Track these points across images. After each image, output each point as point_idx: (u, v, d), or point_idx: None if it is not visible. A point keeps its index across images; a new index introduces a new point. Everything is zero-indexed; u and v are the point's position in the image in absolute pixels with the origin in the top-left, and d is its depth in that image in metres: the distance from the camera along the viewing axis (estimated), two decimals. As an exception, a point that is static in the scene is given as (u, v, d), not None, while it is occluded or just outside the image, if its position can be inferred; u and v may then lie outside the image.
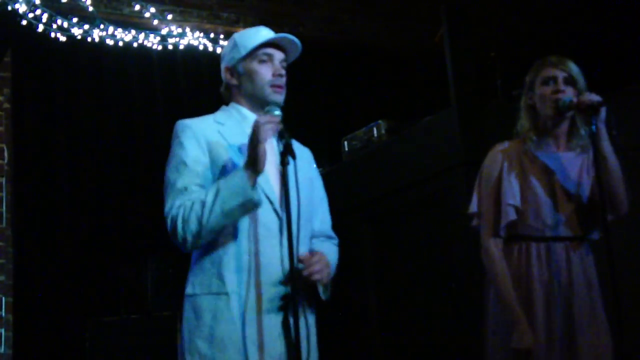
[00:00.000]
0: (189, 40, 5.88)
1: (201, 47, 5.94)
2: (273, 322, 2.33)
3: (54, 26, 5.35)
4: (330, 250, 2.60)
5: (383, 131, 4.88)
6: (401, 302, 4.57)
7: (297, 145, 2.53)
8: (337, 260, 2.63)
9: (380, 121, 4.94)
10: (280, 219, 2.38)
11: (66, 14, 5.41)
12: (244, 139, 2.36)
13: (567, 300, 2.67)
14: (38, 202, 5.38)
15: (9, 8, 5.07)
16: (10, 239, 5.24)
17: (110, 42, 5.59)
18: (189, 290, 2.41)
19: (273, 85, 2.46)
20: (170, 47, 5.85)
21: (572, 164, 2.75)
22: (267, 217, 2.37)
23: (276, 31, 2.56)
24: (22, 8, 5.14)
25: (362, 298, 4.84)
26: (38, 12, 5.24)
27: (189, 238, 2.30)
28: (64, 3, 5.31)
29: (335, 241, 2.73)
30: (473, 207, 2.87)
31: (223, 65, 2.57)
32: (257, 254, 2.30)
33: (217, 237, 2.35)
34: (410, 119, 4.80)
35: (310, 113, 5.87)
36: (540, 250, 2.72)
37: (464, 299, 4.05)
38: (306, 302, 2.43)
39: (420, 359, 4.36)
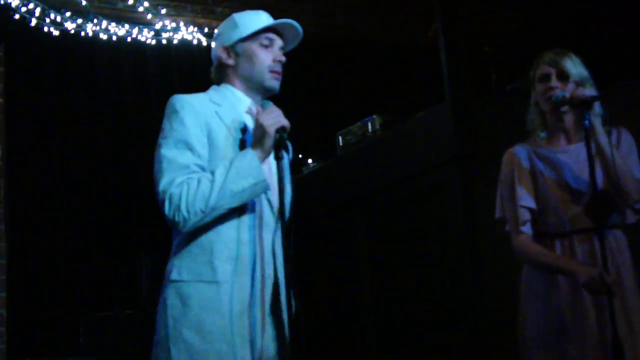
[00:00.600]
0: (183, 34, 5.87)
1: (195, 42, 5.93)
2: (262, 315, 2.29)
3: (47, 20, 5.34)
4: None
5: (377, 126, 4.88)
6: (396, 296, 4.57)
7: None
8: None
9: (374, 116, 4.94)
10: (273, 210, 2.36)
11: (59, 8, 5.40)
12: (239, 121, 2.35)
13: None
14: (31, 198, 5.37)
15: (2, 2, 5.05)
16: (3, 234, 5.23)
17: (103, 36, 5.58)
18: (174, 275, 2.30)
19: (272, 71, 2.43)
20: (164, 41, 5.84)
21: (583, 156, 2.74)
22: (260, 207, 2.34)
23: None
24: (14, 2, 5.12)
25: (357, 292, 4.84)
26: (31, 6, 5.22)
27: (192, 218, 2.21)
28: (57, -3, 5.30)
29: None
30: (497, 212, 2.89)
31: (218, 44, 2.49)
32: (249, 244, 2.25)
33: (208, 221, 2.27)
34: (405, 113, 4.80)
35: (304, 107, 5.86)
36: (565, 245, 2.74)
37: (458, 293, 4.05)
38: (292, 291, 2.41)
39: (415, 354, 4.37)
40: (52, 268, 5.27)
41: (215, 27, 5.95)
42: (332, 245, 5.00)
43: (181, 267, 2.30)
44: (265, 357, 2.31)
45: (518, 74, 4.37)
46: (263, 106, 2.35)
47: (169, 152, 2.31)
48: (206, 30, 5.99)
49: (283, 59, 2.46)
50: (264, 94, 2.47)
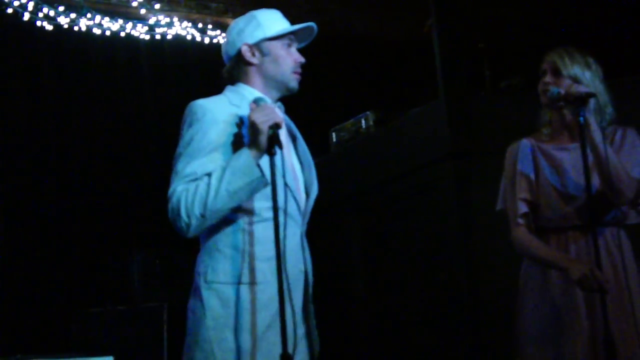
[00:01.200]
0: (177, 30, 5.85)
1: (189, 37, 5.91)
2: (296, 310, 2.32)
3: (40, 15, 5.31)
4: None
5: (371, 122, 4.87)
6: (390, 293, 4.57)
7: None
8: None
9: (368, 112, 4.93)
10: (298, 205, 2.39)
11: (52, 3, 5.37)
12: None
13: None
14: (23, 193, 5.34)
15: (-6, -4, 5.03)
16: (-6, 230, 5.21)
17: (97, 31, 5.55)
18: (211, 276, 2.31)
19: (295, 72, 2.47)
20: (157, 37, 5.82)
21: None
22: (285, 203, 2.35)
23: None
24: (7, -4, 5.10)
25: (351, 289, 4.84)
26: (24, 0, 5.19)
27: (193, 222, 2.22)
28: (50, -9, 5.27)
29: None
30: (499, 203, 2.91)
31: (239, 41, 2.46)
32: (282, 241, 2.21)
33: (238, 220, 2.31)
34: (399, 110, 4.80)
35: (298, 104, 5.83)
36: (559, 240, 2.75)
37: (452, 289, 4.05)
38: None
39: (410, 350, 4.37)
40: (44, 264, 5.25)
41: (210, 22, 6.03)
42: (326, 242, 4.99)
43: (217, 268, 2.31)
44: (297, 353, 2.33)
45: (512, 71, 4.39)
46: (256, 103, 2.34)
47: (182, 162, 2.32)
48: (200, 25, 5.97)
49: (303, 60, 2.49)
50: (284, 93, 2.50)
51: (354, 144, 4.95)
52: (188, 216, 2.22)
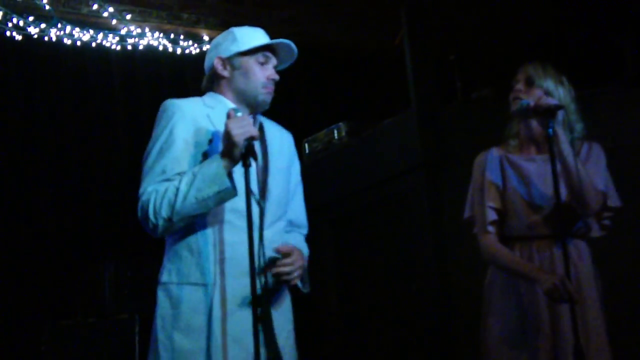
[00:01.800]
0: (149, 40, 5.83)
1: (161, 48, 5.89)
2: (248, 316, 2.25)
3: (10, 25, 5.26)
4: (300, 244, 2.60)
5: (344, 133, 4.89)
6: (363, 302, 4.58)
7: (277, 129, 2.62)
8: (307, 251, 2.63)
9: (341, 123, 4.95)
10: (261, 210, 2.38)
11: (22, 13, 5.32)
12: None
13: None
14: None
15: (-37, 6, 4.98)
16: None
17: (68, 41, 5.52)
18: (164, 277, 2.36)
19: (265, 87, 2.48)
20: (129, 47, 5.79)
21: (550, 166, 2.77)
22: (249, 209, 2.31)
23: None
24: (-24, 6, 5.05)
25: (324, 299, 4.84)
26: (-7, 10, 5.15)
27: (160, 224, 2.26)
28: (19, 1, 5.22)
29: (304, 231, 2.76)
30: (467, 212, 2.93)
31: (214, 54, 2.51)
32: (242, 245, 2.22)
33: (195, 225, 2.32)
34: (371, 120, 4.83)
35: (270, 114, 5.85)
36: (524, 250, 2.78)
37: (425, 296, 4.07)
38: (281, 296, 2.44)
39: (383, 354, 4.38)
40: (14, 275, 5.18)
41: (182, 33, 6.01)
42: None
43: (171, 270, 2.35)
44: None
45: (483, 82, 4.43)
46: (235, 111, 2.34)
47: (150, 159, 2.35)
48: (172, 36, 5.95)
49: (276, 77, 2.51)
50: (255, 109, 2.51)
51: (326, 154, 4.96)
52: (155, 217, 2.26)
